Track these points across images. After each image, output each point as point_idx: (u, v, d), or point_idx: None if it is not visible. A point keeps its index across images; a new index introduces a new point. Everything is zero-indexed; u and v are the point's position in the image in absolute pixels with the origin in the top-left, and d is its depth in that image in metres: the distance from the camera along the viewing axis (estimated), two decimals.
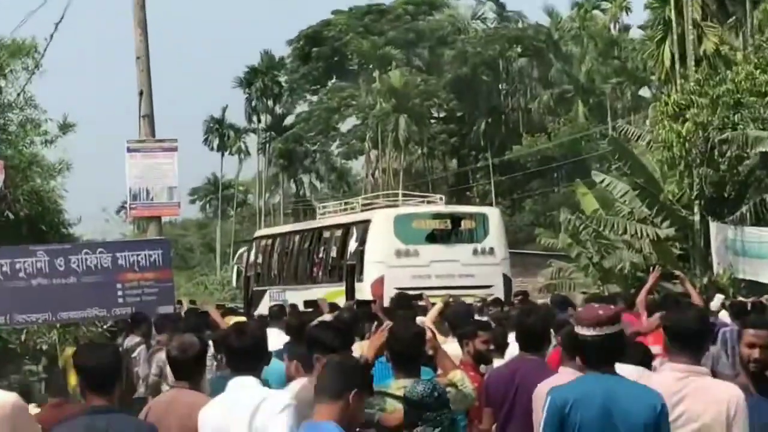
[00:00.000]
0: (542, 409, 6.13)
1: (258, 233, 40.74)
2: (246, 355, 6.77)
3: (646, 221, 32.42)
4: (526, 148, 76.51)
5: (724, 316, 18.21)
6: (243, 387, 6.65)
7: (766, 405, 6.50)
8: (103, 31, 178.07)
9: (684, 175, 32.14)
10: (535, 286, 38.72)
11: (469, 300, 19.67)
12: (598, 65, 77.95)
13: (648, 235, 31.82)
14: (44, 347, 16.26)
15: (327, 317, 14.41)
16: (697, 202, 31.82)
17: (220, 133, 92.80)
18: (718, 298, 21.98)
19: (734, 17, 42.34)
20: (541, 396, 6.43)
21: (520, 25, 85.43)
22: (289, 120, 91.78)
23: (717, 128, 30.38)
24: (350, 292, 27.19)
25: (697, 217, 31.94)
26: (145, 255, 15.49)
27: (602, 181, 34.45)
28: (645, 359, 7.96)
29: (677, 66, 39.70)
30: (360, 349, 8.83)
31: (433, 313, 12.51)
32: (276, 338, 10.28)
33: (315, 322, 9.58)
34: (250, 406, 6.51)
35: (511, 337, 10.31)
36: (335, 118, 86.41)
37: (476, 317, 13.70)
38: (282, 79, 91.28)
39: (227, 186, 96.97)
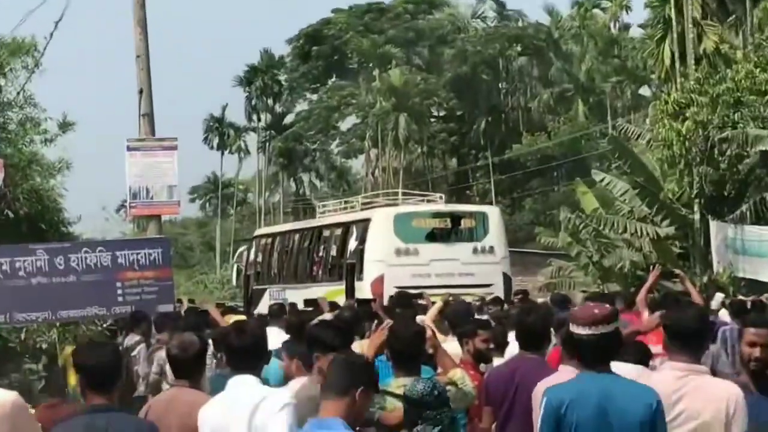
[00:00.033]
0: (539, 409, 6.14)
1: (258, 232, 40.77)
2: (246, 354, 6.77)
3: (646, 220, 32.41)
4: (526, 147, 76.51)
5: (724, 314, 18.21)
6: (243, 386, 6.65)
7: (766, 404, 6.50)
8: (103, 30, 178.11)
9: (684, 174, 32.14)
10: (535, 285, 38.72)
11: (468, 299, 19.67)
12: (598, 64, 77.97)
13: (648, 233, 31.82)
14: (44, 346, 16.25)
15: (327, 316, 14.42)
16: (697, 200, 31.83)
17: (219, 132, 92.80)
18: (718, 297, 21.98)
19: (734, 16, 42.33)
20: (541, 395, 6.43)
21: (520, 24, 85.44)
22: (289, 119, 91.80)
23: (717, 127, 30.38)
24: (350, 291, 27.20)
25: (697, 216, 31.94)
26: (145, 254, 15.47)
27: (602, 180, 34.44)
28: (644, 358, 7.96)
29: (677, 65, 39.69)
30: (360, 347, 8.83)
31: (432, 311, 12.51)
32: (276, 337, 10.28)
33: (315, 321, 9.59)
34: (250, 404, 6.51)
35: (511, 336, 10.31)
36: (335, 117, 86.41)
37: (475, 316, 13.69)
38: (282, 77, 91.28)
39: (227, 185, 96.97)
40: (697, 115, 30.69)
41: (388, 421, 7.26)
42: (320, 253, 30.92)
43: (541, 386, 6.81)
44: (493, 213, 29.89)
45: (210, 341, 10.13)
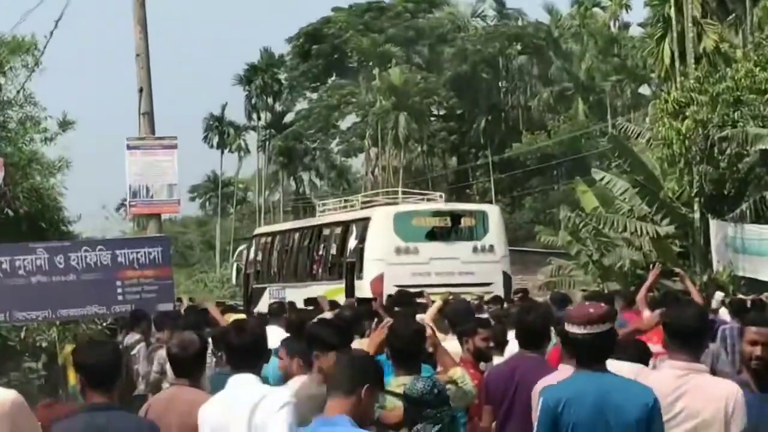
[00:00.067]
0: (535, 409, 6.14)
1: (258, 231, 40.77)
2: (246, 353, 6.77)
3: (645, 219, 32.42)
4: (525, 146, 76.51)
5: (725, 313, 18.22)
6: (243, 384, 6.65)
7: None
8: (103, 29, 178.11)
9: (684, 173, 32.15)
10: (535, 284, 38.72)
11: (467, 298, 19.66)
12: (598, 63, 77.97)
13: (648, 232, 31.83)
14: (44, 345, 16.23)
15: (327, 315, 14.42)
16: (696, 199, 31.84)
17: (219, 131, 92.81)
18: (718, 296, 22.00)
19: (734, 14, 42.35)
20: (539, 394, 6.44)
21: (520, 22, 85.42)
22: (288, 117, 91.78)
23: (717, 126, 30.39)
24: (350, 290, 27.20)
25: (697, 215, 31.95)
26: (145, 252, 15.47)
27: (602, 179, 34.45)
28: (643, 357, 7.96)
29: (677, 63, 39.71)
30: (360, 346, 8.82)
31: (432, 310, 12.50)
32: (275, 336, 10.27)
33: (315, 320, 9.59)
34: (250, 403, 6.51)
35: (511, 335, 10.31)
36: (335, 116, 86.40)
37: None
38: (282, 76, 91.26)
39: (227, 183, 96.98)
40: (696, 113, 30.70)
41: (388, 419, 7.26)
42: (320, 252, 30.92)
43: (541, 385, 6.82)
44: (493, 212, 29.89)
45: (209, 339, 10.13)
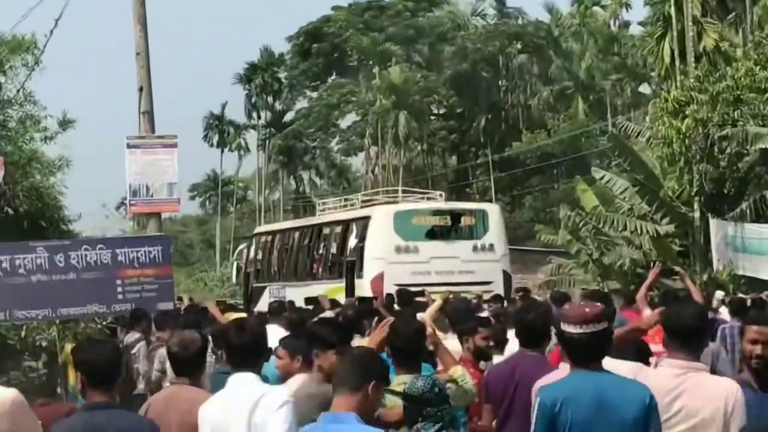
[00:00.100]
0: (533, 409, 6.14)
1: (258, 230, 40.77)
2: (246, 352, 6.78)
3: (645, 218, 32.42)
4: (525, 145, 76.50)
5: (725, 312, 18.20)
6: (243, 383, 6.66)
7: None
8: (103, 28, 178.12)
9: (684, 172, 32.14)
10: (535, 283, 38.73)
11: (467, 297, 19.67)
12: (598, 62, 77.96)
13: (648, 231, 31.82)
14: (44, 344, 16.23)
15: (329, 314, 14.44)
16: (696, 198, 31.83)
17: (219, 130, 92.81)
18: (718, 295, 21.98)
19: (734, 14, 42.36)
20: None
21: (520, 21, 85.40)
22: (288, 116, 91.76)
23: (717, 125, 30.39)
24: (350, 289, 27.21)
25: (697, 214, 31.95)
26: (145, 251, 15.47)
27: (602, 178, 34.45)
28: (643, 356, 7.96)
29: (677, 62, 39.72)
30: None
31: (432, 309, 12.51)
32: (275, 335, 10.28)
33: (316, 319, 9.59)
34: (249, 402, 6.52)
35: (511, 334, 10.31)
36: (335, 115, 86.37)
37: None
38: (282, 75, 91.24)
39: (227, 182, 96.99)
40: (696, 112, 30.70)
41: (388, 418, 7.26)
42: (320, 251, 30.93)
43: (541, 383, 6.82)
44: (493, 211, 29.89)
45: (209, 338, 10.13)
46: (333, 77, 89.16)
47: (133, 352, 13.78)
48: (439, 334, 9.34)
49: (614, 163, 36.38)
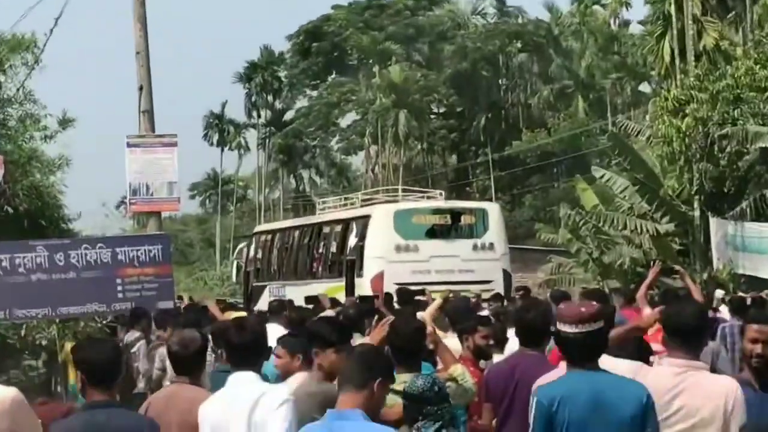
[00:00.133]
0: (530, 409, 6.14)
1: (258, 228, 40.75)
2: (246, 351, 6.78)
3: (645, 216, 32.42)
4: (525, 144, 76.51)
5: (725, 311, 18.20)
6: (243, 382, 6.66)
7: None
8: (103, 27, 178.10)
9: (684, 171, 32.13)
10: (535, 282, 38.71)
11: (467, 296, 19.63)
12: (598, 60, 77.96)
13: (648, 230, 31.83)
14: (44, 342, 16.25)
15: (329, 313, 14.43)
16: (696, 197, 31.83)
17: (219, 129, 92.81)
18: (718, 294, 22.00)
19: (734, 12, 42.37)
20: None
21: (520, 20, 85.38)
22: (288, 115, 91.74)
23: (717, 123, 30.40)
24: (350, 288, 27.19)
25: (697, 213, 31.95)
26: (145, 250, 15.48)
27: (602, 177, 34.46)
28: (644, 354, 7.95)
29: (677, 61, 39.74)
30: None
31: (431, 308, 12.52)
32: (275, 334, 10.27)
33: (318, 318, 9.59)
34: (249, 401, 6.52)
35: (511, 333, 10.31)
36: (335, 114, 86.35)
37: None
38: (282, 74, 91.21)
39: (227, 181, 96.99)
40: (696, 111, 30.70)
41: (388, 417, 7.24)
42: (320, 250, 30.91)
43: (541, 382, 6.82)
44: (493, 209, 29.86)
45: (209, 336, 10.12)
46: (333, 76, 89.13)
47: (133, 350, 13.77)
48: (439, 332, 9.35)
49: (614, 162, 36.39)
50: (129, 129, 21.99)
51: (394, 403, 7.22)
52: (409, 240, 27.29)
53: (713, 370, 8.17)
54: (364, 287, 26.07)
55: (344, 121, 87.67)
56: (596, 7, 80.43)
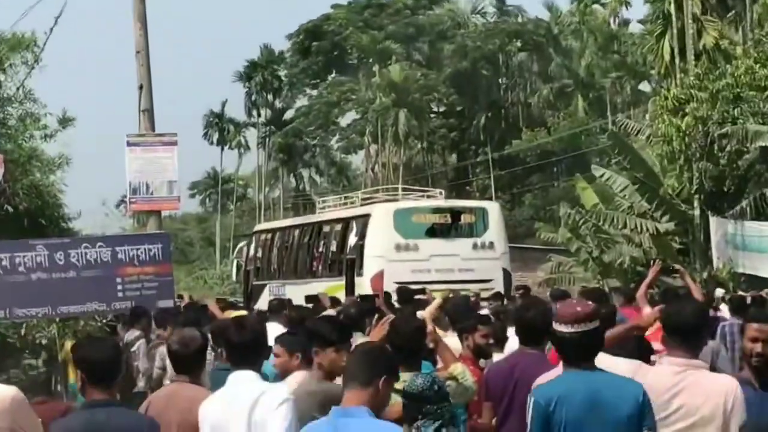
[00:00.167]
0: (527, 409, 6.13)
1: (258, 227, 40.74)
2: (246, 350, 6.78)
3: (645, 215, 32.43)
4: (525, 143, 76.51)
5: (725, 310, 18.19)
6: (243, 381, 6.66)
7: None
8: (103, 26, 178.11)
9: (684, 170, 32.15)
10: (535, 281, 38.70)
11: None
12: (598, 59, 77.96)
13: (648, 229, 31.83)
14: (44, 342, 16.23)
15: (331, 312, 14.42)
16: (696, 196, 31.84)
17: (219, 128, 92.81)
18: (718, 293, 21.98)
19: (734, 11, 42.38)
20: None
21: (519, 19, 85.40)
22: (288, 114, 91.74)
23: (717, 122, 30.41)
24: (350, 287, 27.19)
25: (696, 212, 31.96)
26: (145, 249, 15.47)
27: (602, 176, 34.46)
28: (644, 353, 7.95)
29: (677, 60, 39.74)
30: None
31: (431, 307, 12.52)
32: (275, 333, 10.27)
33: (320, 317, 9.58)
34: (249, 400, 6.52)
35: (511, 332, 10.31)
36: (335, 113, 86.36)
37: None
38: (282, 73, 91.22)
39: (227, 180, 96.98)
40: (696, 110, 30.71)
41: (388, 416, 7.25)
42: (320, 249, 30.90)
43: (541, 381, 6.82)
44: (493, 208, 29.84)
45: (209, 335, 10.12)
46: (333, 75, 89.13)
47: (133, 349, 13.77)
48: (439, 331, 9.35)
49: (614, 161, 36.40)
50: (129, 128, 22.01)
51: (393, 401, 7.23)
52: (409, 239, 27.28)
53: (713, 369, 8.18)
54: (364, 286, 26.06)
55: (344, 120, 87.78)
56: (596, 6, 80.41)
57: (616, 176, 33.60)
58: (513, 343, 9.91)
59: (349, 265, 28.29)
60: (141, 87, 21.14)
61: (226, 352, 7.17)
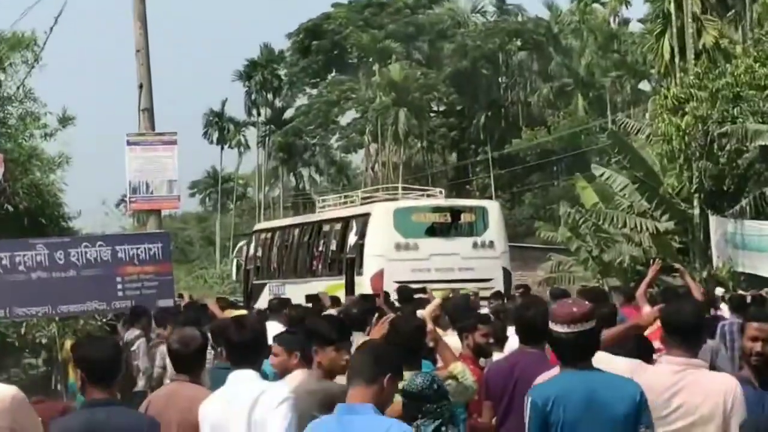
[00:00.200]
0: (525, 408, 6.14)
1: (257, 226, 40.72)
2: (246, 349, 6.78)
3: (645, 215, 32.43)
4: (525, 142, 76.50)
5: (724, 309, 18.18)
6: (242, 380, 6.66)
7: None
8: (103, 26, 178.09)
9: (683, 169, 32.15)
10: (535, 280, 38.68)
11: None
12: (598, 59, 77.94)
13: (647, 228, 31.84)
14: (44, 341, 16.24)
15: (331, 311, 14.42)
16: (696, 195, 31.84)
17: (219, 127, 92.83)
18: (718, 292, 21.97)
19: (734, 11, 42.37)
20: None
21: (519, 18, 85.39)
22: (288, 113, 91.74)
23: (716, 121, 30.40)
24: (350, 286, 27.17)
25: (696, 211, 31.96)
26: (145, 248, 15.48)
27: (602, 175, 34.46)
28: (644, 353, 7.95)
29: (677, 59, 39.73)
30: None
31: (431, 307, 12.52)
32: (275, 332, 10.26)
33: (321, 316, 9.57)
34: (249, 399, 6.52)
35: (511, 331, 10.31)
36: (335, 112, 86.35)
37: None
38: (282, 72, 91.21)
39: (227, 179, 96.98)
40: (696, 109, 30.71)
41: (388, 414, 7.26)
42: (320, 248, 30.88)
43: (540, 380, 6.82)
44: (493, 208, 29.82)
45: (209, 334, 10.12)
46: (333, 74, 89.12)
47: (133, 349, 13.78)
48: (439, 331, 9.35)
49: (614, 160, 36.38)
50: (129, 127, 22.06)
51: (394, 400, 7.24)
52: (408, 238, 27.26)
53: (712, 368, 8.18)
54: (363, 285, 26.05)
55: (344, 119, 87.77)
56: (596, 5, 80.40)
57: (616, 175, 33.59)
58: (513, 342, 9.91)
59: (349, 265, 28.27)
60: (141, 86, 21.15)
61: (226, 351, 7.17)
